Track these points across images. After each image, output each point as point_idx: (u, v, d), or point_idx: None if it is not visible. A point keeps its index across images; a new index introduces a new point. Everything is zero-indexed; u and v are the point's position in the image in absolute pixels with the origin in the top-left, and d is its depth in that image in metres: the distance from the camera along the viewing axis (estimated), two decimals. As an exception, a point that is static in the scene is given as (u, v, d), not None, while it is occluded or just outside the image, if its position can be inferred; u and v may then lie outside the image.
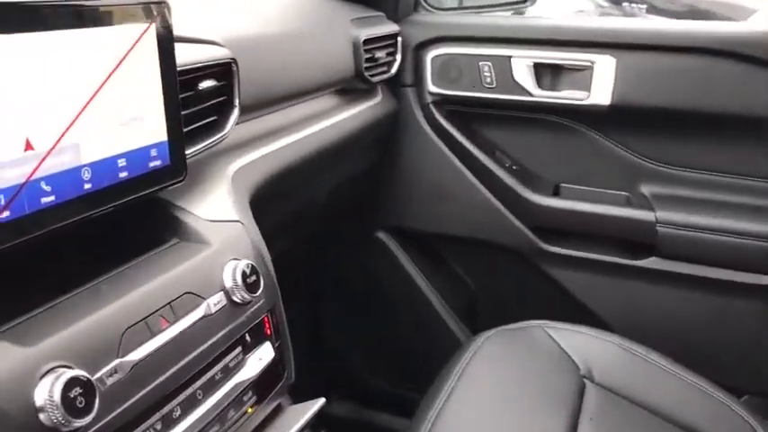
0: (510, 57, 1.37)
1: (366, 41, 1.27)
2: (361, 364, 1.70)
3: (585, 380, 1.05)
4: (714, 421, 0.99)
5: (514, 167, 1.45)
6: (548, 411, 0.97)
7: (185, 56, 0.74)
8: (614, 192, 1.41)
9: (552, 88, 1.37)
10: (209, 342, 0.65)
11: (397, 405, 1.64)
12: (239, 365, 0.68)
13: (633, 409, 1.01)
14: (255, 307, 0.72)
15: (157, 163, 0.67)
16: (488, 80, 1.39)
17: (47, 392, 0.49)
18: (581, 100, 1.34)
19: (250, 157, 0.92)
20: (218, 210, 0.77)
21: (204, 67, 0.78)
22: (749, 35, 1.25)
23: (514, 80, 1.37)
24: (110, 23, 0.60)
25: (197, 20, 0.88)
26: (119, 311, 0.58)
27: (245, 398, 0.69)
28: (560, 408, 0.97)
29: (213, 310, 0.66)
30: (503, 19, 1.54)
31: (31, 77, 0.53)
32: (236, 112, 0.84)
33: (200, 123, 0.78)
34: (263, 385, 0.72)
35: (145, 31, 0.64)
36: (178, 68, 0.69)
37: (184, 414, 0.61)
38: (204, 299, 0.66)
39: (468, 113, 1.46)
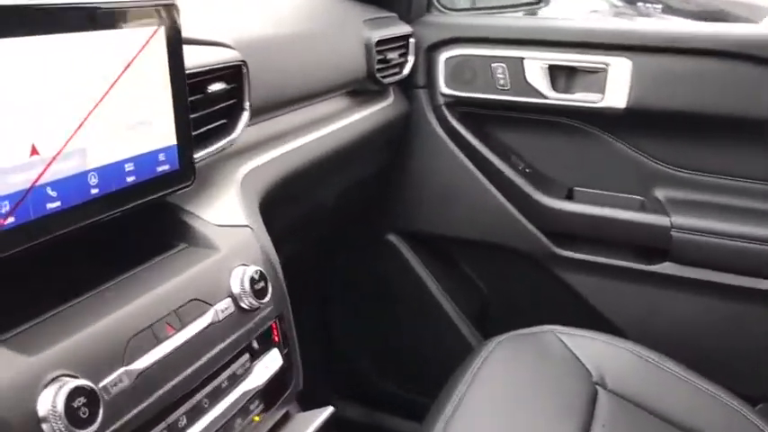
0: (524, 58, 1.36)
1: (378, 42, 1.26)
2: (371, 367, 1.69)
3: (598, 386, 1.03)
4: (728, 429, 0.98)
5: (527, 170, 1.44)
6: (559, 418, 0.95)
7: (195, 58, 0.73)
8: (628, 196, 1.39)
9: (566, 90, 1.35)
10: (216, 349, 0.64)
11: (406, 409, 1.63)
12: (246, 373, 0.68)
13: (646, 416, 0.99)
14: (263, 313, 0.71)
15: (166, 167, 0.66)
16: (502, 82, 1.38)
17: (50, 402, 0.48)
18: (595, 103, 1.32)
19: (260, 160, 0.92)
20: (226, 214, 0.76)
21: (214, 70, 0.77)
22: (767, 38, 1.23)
23: (528, 82, 1.36)
24: (118, 26, 0.59)
25: (206, 21, 0.87)
26: (124, 319, 0.57)
27: (251, 406, 0.68)
28: (572, 415, 0.96)
29: (220, 317, 0.65)
30: (517, 20, 1.52)
31: (37, 81, 0.52)
32: (246, 115, 0.83)
33: (210, 127, 0.77)
34: (270, 393, 0.71)
35: (153, 33, 0.63)
36: (187, 71, 0.69)
37: (190, 423, 0.60)
38: (211, 305, 0.65)
39: (481, 115, 1.45)
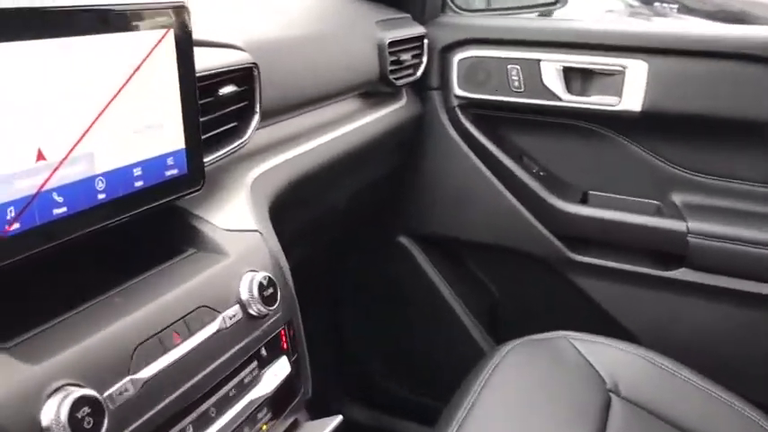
0: (539, 60, 1.34)
1: (391, 44, 1.25)
2: (382, 370, 1.69)
3: (611, 394, 1.02)
4: None
5: (541, 174, 1.43)
6: (572, 425, 0.94)
7: (205, 61, 0.72)
8: (644, 200, 1.38)
9: (582, 93, 1.34)
10: (224, 357, 0.63)
11: (417, 413, 1.62)
12: (254, 381, 0.67)
13: (660, 425, 0.98)
14: (272, 320, 0.70)
15: (174, 172, 0.65)
16: (516, 84, 1.36)
17: (53, 412, 0.47)
18: (612, 106, 1.30)
19: (270, 163, 0.91)
20: (236, 219, 0.75)
21: (224, 73, 0.77)
22: None
23: (543, 84, 1.34)
24: (127, 29, 0.58)
25: (217, 23, 0.86)
26: (131, 326, 0.56)
27: (259, 415, 0.67)
28: (585, 422, 0.95)
29: (228, 324, 0.64)
30: (532, 21, 1.50)
31: (44, 85, 0.51)
32: (256, 118, 0.82)
33: (220, 130, 0.76)
34: (278, 401, 0.70)
35: (163, 36, 0.62)
36: (198, 74, 0.68)
37: (197, 433, 0.59)
38: (219, 312, 0.64)
39: (495, 118, 1.44)
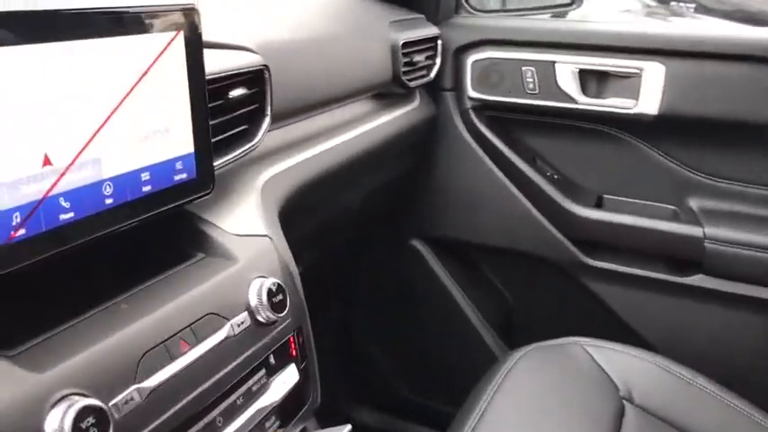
0: (554, 62, 1.32)
1: (405, 45, 1.24)
2: (393, 373, 1.68)
3: (625, 401, 1.01)
4: None
5: (556, 177, 1.41)
6: None
7: (215, 63, 0.71)
8: (660, 205, 1.36)
9: (598, 96, 1.32)
10: (232, 365, 0.62)
11: (427, 417, 1.61)
12: (262, 389, 0.66)
13: None
14: (281, 327, 0.69)
15: (183, 176, 0.65)
16: (531, 86, 1.35)
17: (57, 423, 0.46)
18: (628, 109, 1.28)
19: (281, 166, 0.90)
20: (245, 223, 0.74)
21: (235, 75, 0.76)
22: None
23: (558, 86, 1.33)
24: (135, 32, 0.57)
25: (228, 24, 0.85)
26: (137, 334, 0.55)
27: (267, 423, 0.66)
28: (598, 430, 0.93)
29: (236, 332, 0.63)
30: (547, 22, 1.49)
31: (51, 89, 0.51)
32: (267, 120, 0.81)
33: (230, 133, 0.75)
34: (286, 410, 0.69)
35: (173, 38, 0.61)
36: (208, 77, 0.67)
37: (204, 442, 0.59)
38: (227, 319, 0.63)
39: (509, 120, 1.42)
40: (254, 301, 0.66)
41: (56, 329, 0.53)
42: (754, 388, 1.07)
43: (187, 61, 0.63)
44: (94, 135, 0.54)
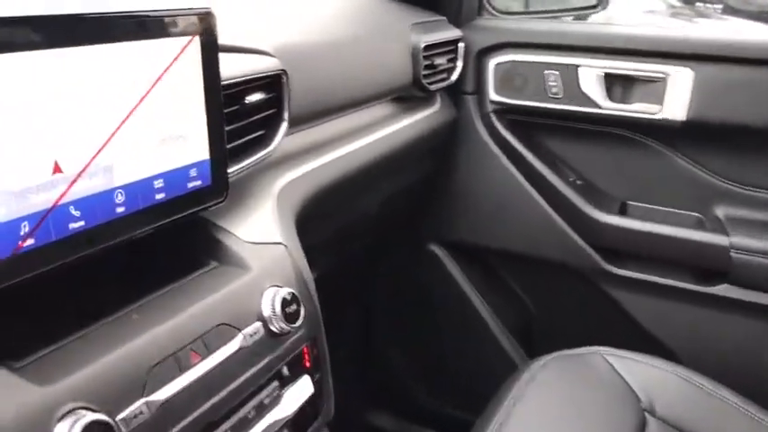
0: (578, 66, 1.30)
1: (426, 47, 1.22)
2: (410, 378, 1.66)
3: (647, 413, 0.99)
4: None
5: (578, 182, 1.38)
6: None
7: (232, 67, 0.70)
8: (685, 212, 1.33)
9: (622, 100, 1.29)
10: (243, 377, 0.61)
11: (444, 423, 1.60)
12: (275, 402, 0.64)
13: None
14: (294, 338, 0.68)
15: (197, 183, 0.63)
16: (554, 90, 1.32)
17: None
18: (653, 114, 1.26)
19: (297, 171, 0.88)
20: (260, 231, 0.73)
21: (252, 80, 0.74)
22: None
23: (582, 90, 1.30)
24: (150, 36, 0.56)
25: (245, 27, 0.84)
26: (147, 345, 0.54)
27: (279, 437, 0.65)
28: None
29: (248, 342, 0.62)
30: (571, 25, 1.46)
31: (61, 95, 0.49)
32: (284, 126, 0.80)
33: (246, 139, 0.74)
34: (299, 423, 0.67)
35: (188, 43, 0.60)
36: (224, 82, 0.66)
37: (213, 457, 0.57)
38: (239, 330, 0.62)
39: (531, 124, 1.40)
40: (267, 311, 0.65)
41: (63, 340, 0.52)
42: None
43: (203, 66, 0.62)
44: (107, 142, 0.53)
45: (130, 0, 0.55)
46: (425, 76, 1.23)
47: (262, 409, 0.63)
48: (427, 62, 1.23)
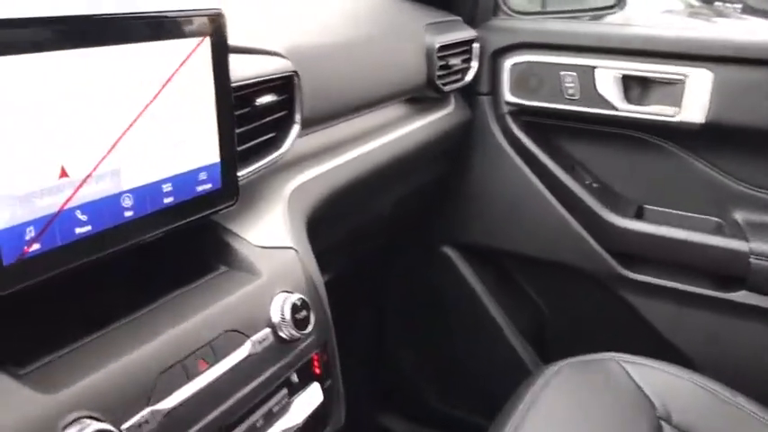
0: (595, 67, 1.28)
1: (441, 48, 1.20)
2: (421, 381, 1.65)
3: (662, 421, 0.97)
4: None
5: (594, 185, 1.37)
6: None
7: (243, 69, 0.69)
8: (704, 217, 1.31)
9: (640, 102, 1.27)
10: (252, 385, 0.60)
11: (455, 426, 1.59)
12: (283, 410, 0.63)
13: None
14: (304, 344, 0.67)
15: (207, 186, 0.62)
16: (570, 91, 1.31)
17: None
18: (671, 116, 1.24)
19: (310, 173, 0.87)
20: (271, 235, 0.72)
21: (263, 82, 0.73)
22: None
23: (598, 92, 1.28)
24: (160, 38, 0.55)
25: (256, 27, 0.83)
26: (153, 353, 0.53)
27: (288, 446, 0.64)
28: None
29: (257, 349, 0.61)
30: (588, 25, 1.44)
31: (69, 98, 0.49)
32: (296, 128, 0.79)
33: (256, 141, 0.73)
34: (308, 431, 0.66)
35: (198, 45, 0.59)
36: (235, 83, 0.65)
37: (220, 466, 0.56)
38: (248, 337, 0.61)
39: (547, 125, 1.38)
40: (276, 318, 0.64)
41: (68, 347, 0.51)
42: None
43: (213, 68, 0.61)
44: (114, 145, 0.52)
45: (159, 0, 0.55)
46: (440, 77, 1.22)
47: (270, 418, 0.62)
48: (441, 63, 1.22)
